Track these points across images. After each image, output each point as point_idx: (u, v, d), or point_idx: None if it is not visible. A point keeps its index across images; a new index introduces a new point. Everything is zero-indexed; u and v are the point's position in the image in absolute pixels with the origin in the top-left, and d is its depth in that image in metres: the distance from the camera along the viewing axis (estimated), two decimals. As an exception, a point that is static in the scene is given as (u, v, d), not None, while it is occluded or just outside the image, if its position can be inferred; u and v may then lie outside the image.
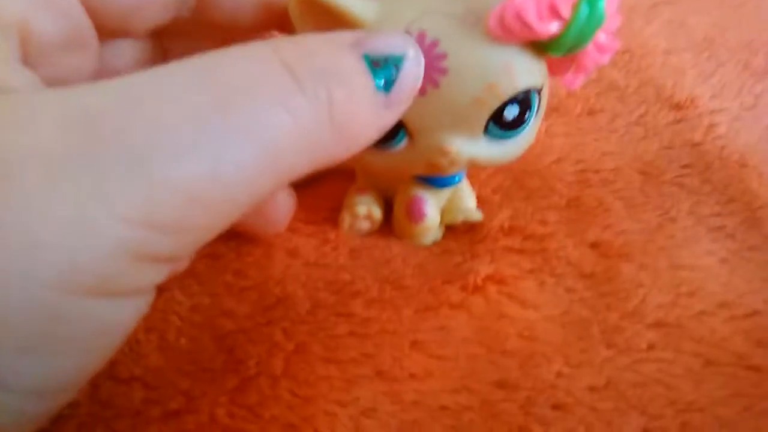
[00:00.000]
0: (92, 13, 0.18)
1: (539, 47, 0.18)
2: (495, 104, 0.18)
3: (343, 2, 0.17)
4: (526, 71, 0.18)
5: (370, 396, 0.20)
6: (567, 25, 0.17)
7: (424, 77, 0.17)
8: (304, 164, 0.15)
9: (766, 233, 0.25)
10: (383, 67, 0.16)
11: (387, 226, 0.25)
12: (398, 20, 0.17)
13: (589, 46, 0.18)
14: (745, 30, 0.37)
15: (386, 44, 0.16)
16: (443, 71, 0.17)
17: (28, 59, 0.16)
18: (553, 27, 0.17)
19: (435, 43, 0.17)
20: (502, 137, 0.19)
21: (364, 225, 0.25)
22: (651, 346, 0.21)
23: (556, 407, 0.20)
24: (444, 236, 0.25)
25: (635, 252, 0.24)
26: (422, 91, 0.17)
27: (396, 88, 0.16)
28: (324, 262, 0.24)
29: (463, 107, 0.18)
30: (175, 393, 0.20)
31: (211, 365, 0.20)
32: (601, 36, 0.17)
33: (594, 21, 0.17)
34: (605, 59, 0.18)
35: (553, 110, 0.31)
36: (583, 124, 0.30)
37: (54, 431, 0.18)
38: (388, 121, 0.17)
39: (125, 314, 0.14)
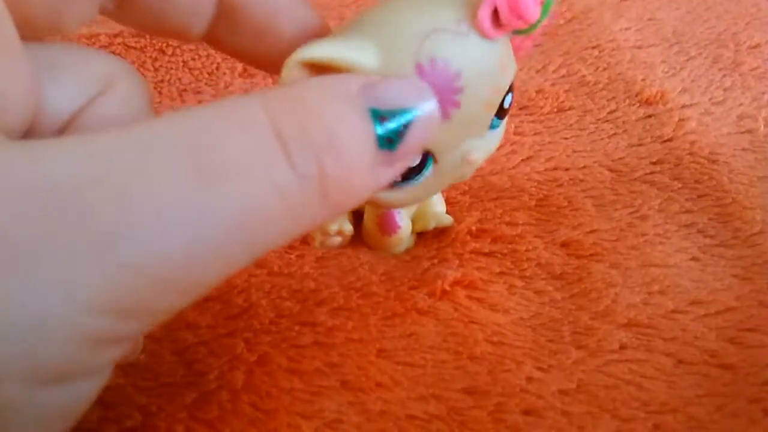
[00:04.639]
0: (21, 10, 0.15)
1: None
2: (499, 101, 0.18)
3: (342, 57, 0.16)
4: (510, 61, 0.18)
5: (335, 407, 0.19)
6: (543, 7, 0.16)
7: (447, 102, 0.16)
8: (286, 236, 0.14)
9: (737, 229, 0.25)
10: (390, 121, 0.14)
11: (355, 235, 0.25)
12: (403, 56, 0.16)
13: None
14: (714, 24, 0.36)
15: (398, 95, 0.15)
16: (461, 90, 0.17)
17: None
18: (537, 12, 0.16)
19: (448, 66, 0.16)
20: (498, 125, 0.19)
21: (336, 241, 0.24)
22: (622, 347, 0.21)
23: (526, 413, 0.19)
24: (412, 243, 0.25)
25: (606, 251, 0.24)
26: (447, 116, 0.17)
27: (403, 144, 0.14)
28: (289, 270, 0.23)
29: (479, 115, 0.18)
30: (132, 410, 0.19)
31: (170, 380, 0.20)
32: None
33: None
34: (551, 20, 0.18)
35: (522, 108, 0.31)
36: (552, 122, 0.30)
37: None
38: (387, 179, 0.15)
39: (79, 396, 0.13)
